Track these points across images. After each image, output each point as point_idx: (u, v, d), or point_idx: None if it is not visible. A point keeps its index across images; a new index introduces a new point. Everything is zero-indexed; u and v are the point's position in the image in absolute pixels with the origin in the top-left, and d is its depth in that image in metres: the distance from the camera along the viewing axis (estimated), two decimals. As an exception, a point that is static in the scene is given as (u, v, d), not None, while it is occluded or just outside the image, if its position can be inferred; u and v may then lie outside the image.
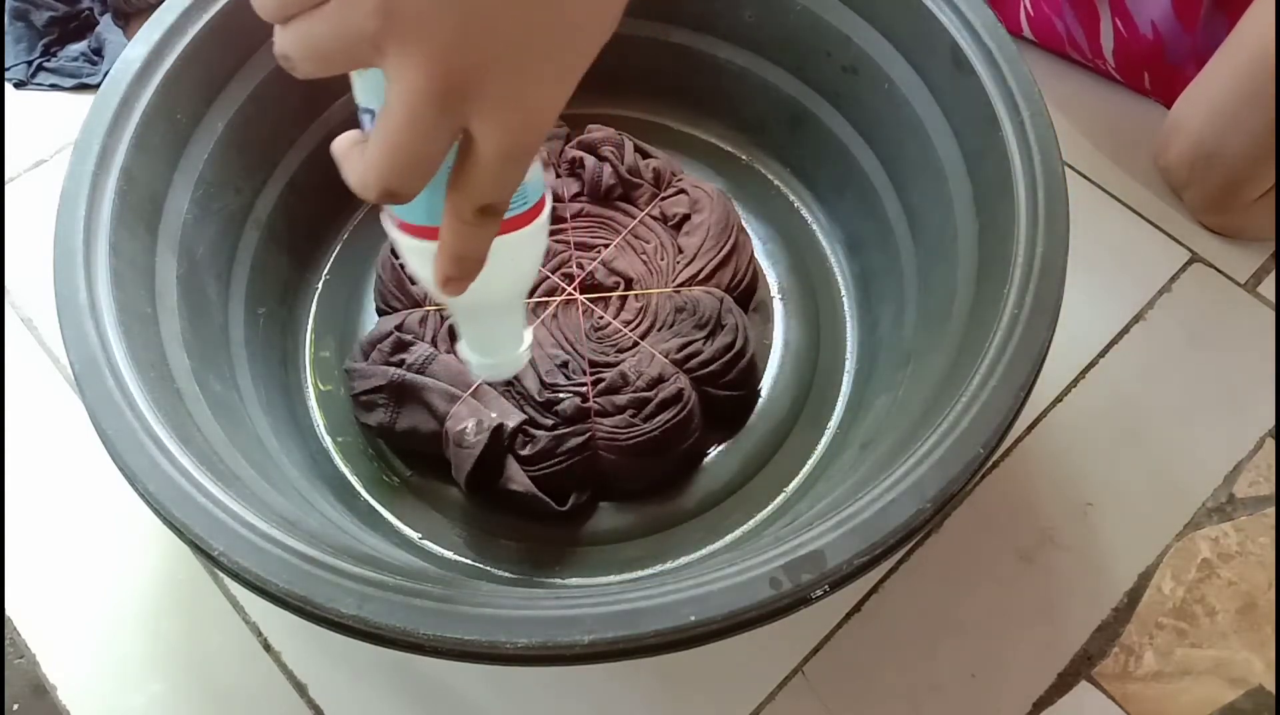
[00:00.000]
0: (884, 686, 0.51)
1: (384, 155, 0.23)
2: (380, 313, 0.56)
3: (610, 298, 0.55)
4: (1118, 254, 0.65)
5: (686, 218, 0.57)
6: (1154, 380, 0.60)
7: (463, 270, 0.26)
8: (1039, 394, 0.57)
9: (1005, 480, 0.56)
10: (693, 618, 0.32)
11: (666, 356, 0.51)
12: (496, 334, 0.36)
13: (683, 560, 0.50)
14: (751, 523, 0.51)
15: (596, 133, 0.59)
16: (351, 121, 0.26)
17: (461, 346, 0.37)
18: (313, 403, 0.55)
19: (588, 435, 0.49)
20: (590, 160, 0.58)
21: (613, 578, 0.49)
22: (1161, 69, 0.67)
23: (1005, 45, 0.46)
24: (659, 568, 0.50)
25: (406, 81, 0.22)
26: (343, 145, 0.26)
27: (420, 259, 0.29)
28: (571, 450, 0.49)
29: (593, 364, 0.52)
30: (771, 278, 0.59)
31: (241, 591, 0.51)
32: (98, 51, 0.74)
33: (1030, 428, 0.58)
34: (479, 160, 0.23)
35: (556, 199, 0.58)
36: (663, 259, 0.56)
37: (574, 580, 0.50)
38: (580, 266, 0.55)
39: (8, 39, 0.74)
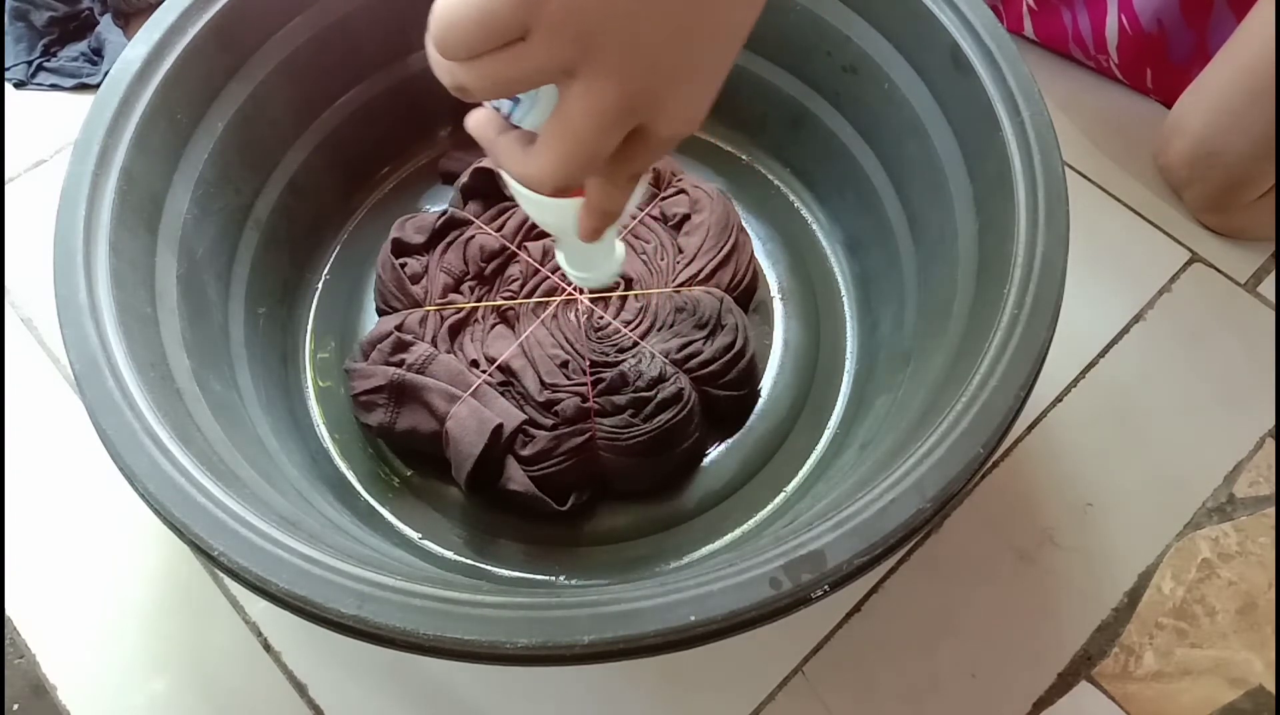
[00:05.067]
0: (884, 686, 0.51)
1: (565, 155, 0.26)
2: (380, 313, 0.56)
3: (610, 298, 0.55)
4: (1118, 254, 0.65)
5: (686, 218, 0.57)
6: (1154, 380, 0.60)
7: (607, 222, 0.31)
8: (1039, 394, 0.57)
9: (1005, 480, 0.56)
10: (693, 618, 0.32)
11: (666, 356, 0.51)
12: (599, 254, 0.41)
13: (683, 560, 0.50)
14: (751, 523, 0.51)
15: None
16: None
17: (562, 262, 0.42)
18: (312, 402, 0.55)
19: (588, 435, 0.49)
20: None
21: (613, 578, 0.49)
22: (1165, 66, 0.67)
23: (1005, 45, 0.46)
24: (659, 568, 0.49)
25: (595, 96, 0.25)
26: (490, 130, 0.29)
27: (549, 212, 0.34)
28: (571, 450, 0.49)
29: (593, 364, 0.52)
30: (771, 278, 0.59)
31: (241, 591, 0.51)
32: (98, 51, 0.74)
33: (1030, 428, 0.58)
34: (647, 144, 0.28)
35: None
36: (663, 259, 0.56)
37: (574, 580, 0.50)
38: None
39: (8, 39, 0.74)
